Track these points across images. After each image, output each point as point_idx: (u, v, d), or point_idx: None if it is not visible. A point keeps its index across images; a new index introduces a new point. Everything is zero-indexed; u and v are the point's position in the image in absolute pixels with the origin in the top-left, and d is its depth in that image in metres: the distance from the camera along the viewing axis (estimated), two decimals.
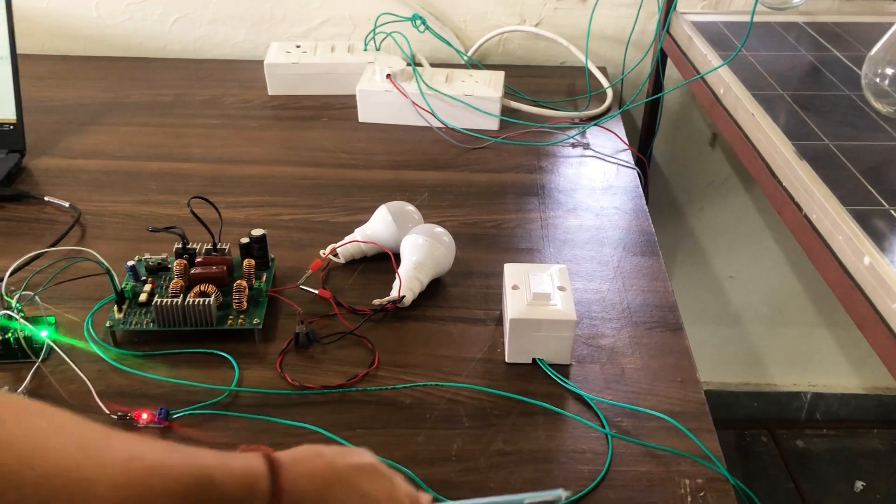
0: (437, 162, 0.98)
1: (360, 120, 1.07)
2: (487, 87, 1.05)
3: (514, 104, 1.08)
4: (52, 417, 0.42)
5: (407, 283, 0.73)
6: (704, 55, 0.97)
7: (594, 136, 1.04)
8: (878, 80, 0.75)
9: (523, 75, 1.18)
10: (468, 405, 0.64)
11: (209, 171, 0.95)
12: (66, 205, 0.87)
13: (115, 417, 0.61)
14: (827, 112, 0.83)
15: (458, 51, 1.21)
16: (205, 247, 0.74)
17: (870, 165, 0.73)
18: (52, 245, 0.80)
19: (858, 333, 0.61)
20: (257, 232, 0.74)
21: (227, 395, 0.64)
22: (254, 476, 0.45)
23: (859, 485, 1.50)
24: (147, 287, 0.71)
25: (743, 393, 1.61)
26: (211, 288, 0.70)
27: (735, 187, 1.34)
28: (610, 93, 1.13)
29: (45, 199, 0.88)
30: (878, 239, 0.62)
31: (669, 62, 1.13)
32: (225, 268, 0.72)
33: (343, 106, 1.10)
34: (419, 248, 0.74)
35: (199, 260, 0.73)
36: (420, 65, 1.13)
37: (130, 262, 0.72)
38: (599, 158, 0.99)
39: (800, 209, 0.71)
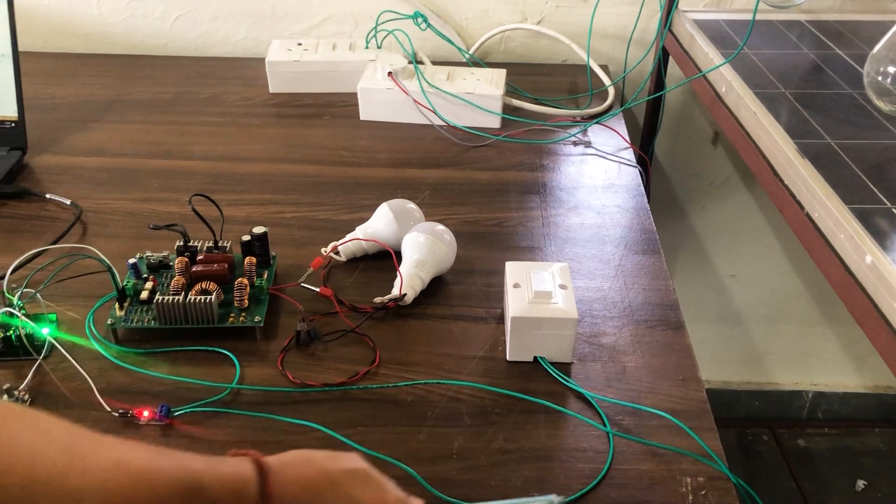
0: (439, 160, 0.98)
1: (361, 118, 1.07)
2: (489, 86, 1.05)
3: (516, 102, 1.08)
4: (35, 422, 0.41)
5: (408, 281, 0.73)
6: (706, 53, 0.97)
7: (596, 134, 1.04)
8: (880, 78, 0.75)
9: (525, 73, 1.18)
10: (469, 403, 0.64)
11: (210, 168, 0.95)
12: (68, 202, 0.87)
13: (117, 415, 0.61)
14: (829, 110, 0.83)
15: (459, 49, 1.21)
16: (206, 244, 0.74)
17: (872, 164, 0.73)
18: (54, 242, 0.80)
19: (860, 332, 0.61)
20: (259, 230, 0.74)
21: (228, 393, 0.64)
22: (243, 481, 0.44)
23: (861, 484, 1.49)
24: (148, 285, 0.71)
25: (744, 392, 1.61)
26: (212, 286, 0.70)
27: (736, 186, 1.34)
28: (612, 91, 1.12)
29: (47, 196, 0.88)
30: (880, 237, 0.62)
31: (671, 60, 1.13)
32: (226, 265, 0.72)
33: (344, 104, 1.09)
34: (420, 246, 0.74)
35: (200, 258, 0.73)
36: (421, 63, 1.13)
37: (132, 260, 0.72)
38: (601, 157, 0.99)
39: (801, 207, 0.71)
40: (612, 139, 1.03)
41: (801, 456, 1.55)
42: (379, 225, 0.79)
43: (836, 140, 0.77)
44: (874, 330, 0.59)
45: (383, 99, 1.05)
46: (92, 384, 0.63)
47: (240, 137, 1.02)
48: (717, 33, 1.02)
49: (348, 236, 0.79)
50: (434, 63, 1.15)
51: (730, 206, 1.36)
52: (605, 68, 1.17)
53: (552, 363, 0.67)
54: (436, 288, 0.76)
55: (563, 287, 0.67)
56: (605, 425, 0.62)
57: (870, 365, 1.56)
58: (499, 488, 0.57)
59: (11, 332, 0.66)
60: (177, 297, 0.67)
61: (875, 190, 0.68)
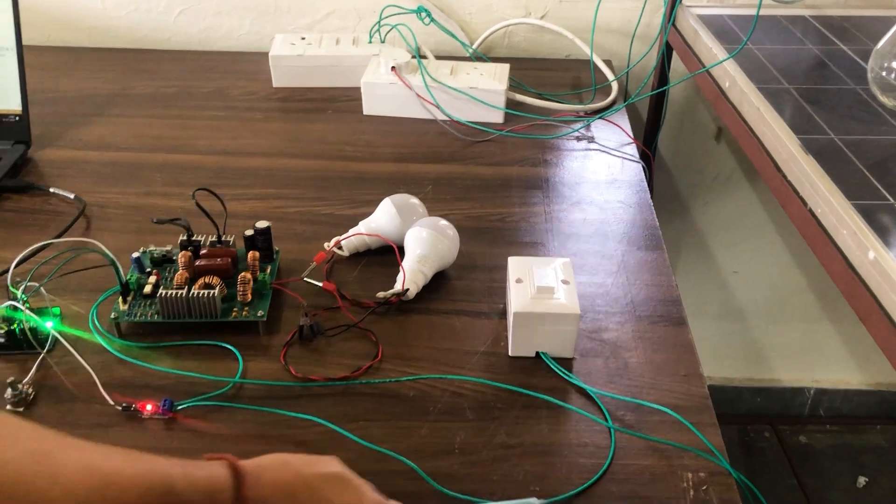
0: (442, 155, 0.98)
1: (364, 112, 1.07)
2: (492, 80, 1.05)
3: (519, 97, 1.08)
4: (2, 426, 0.41)
5: (411, 276, 0.73)
6: (710, 48, 0.97)
7: (599, 129, 1.04)
8: (884, 73, 0.75)
9: (528, 68, 1.18)
10: (471, 398, 0.64)
11: (214, 163, 0.95)
12: (72, 196, 0.87)
13: (120, 409, 0.61)
14: (833, 106, 0.83)
15: (463, 43, 1.21)
16: (209, 239, 0.74)
17: (875, 160, 0.73)
18: (58, 236, 0.81)
19: (863, 329, 0.61)
20: (262, 224, 0.74)
21: (231, 387, 0.64)
22: (217, 485, 0.44)
23: (862, 480, 1.50)
24: (152, 279, 0.71)
25: (746, 388, 1.61)
26: (215, 280, 0.70)
27: (740, 181, 1.34)
28: (615, 86, 1.12)
29: (51, 190, 0.88)
30: (883, 234, 0.61)
31: (675, 55, 1.12)
32: (229, 260, 0.72)
33: (348, 98, 1.09)
34: (423, 242, 0.74)
35: (203, 252, 0.73)
36: (425, 57, 1.13)
37: (135, 254, 0.73)
38: (604, 152, 0.99)
39: (805, 203, 0.71)
40: (615, 134, 1.03)
41: (802, 452, 1.55)
42: (382, 220, 0.79)
43: (840, 136, 0.77)
44: (876, 326, 0.59)
45: (387, 93, 1.05)
46: (95, 378, 0.63)
47: (243, 132, 1.02)
48: (721, 28, 1.02)
49: (351, 231, 0.79)
50: (437, 58, 1.14)
51: (733, 202, 1.36)
52: (608, 63, 1.17)
53: (554, 358, 0.67)
54: (438, 283, 0.76)
55: (565, 282, 0.67)
56: (606, 420, 0.62)
57: (872, 362, 1.56)
58: (500, 483, 0.57)
59: (15, 325, 0.66)
60: (180, 292, 0.67)
61: (879, 186, 0.68)
